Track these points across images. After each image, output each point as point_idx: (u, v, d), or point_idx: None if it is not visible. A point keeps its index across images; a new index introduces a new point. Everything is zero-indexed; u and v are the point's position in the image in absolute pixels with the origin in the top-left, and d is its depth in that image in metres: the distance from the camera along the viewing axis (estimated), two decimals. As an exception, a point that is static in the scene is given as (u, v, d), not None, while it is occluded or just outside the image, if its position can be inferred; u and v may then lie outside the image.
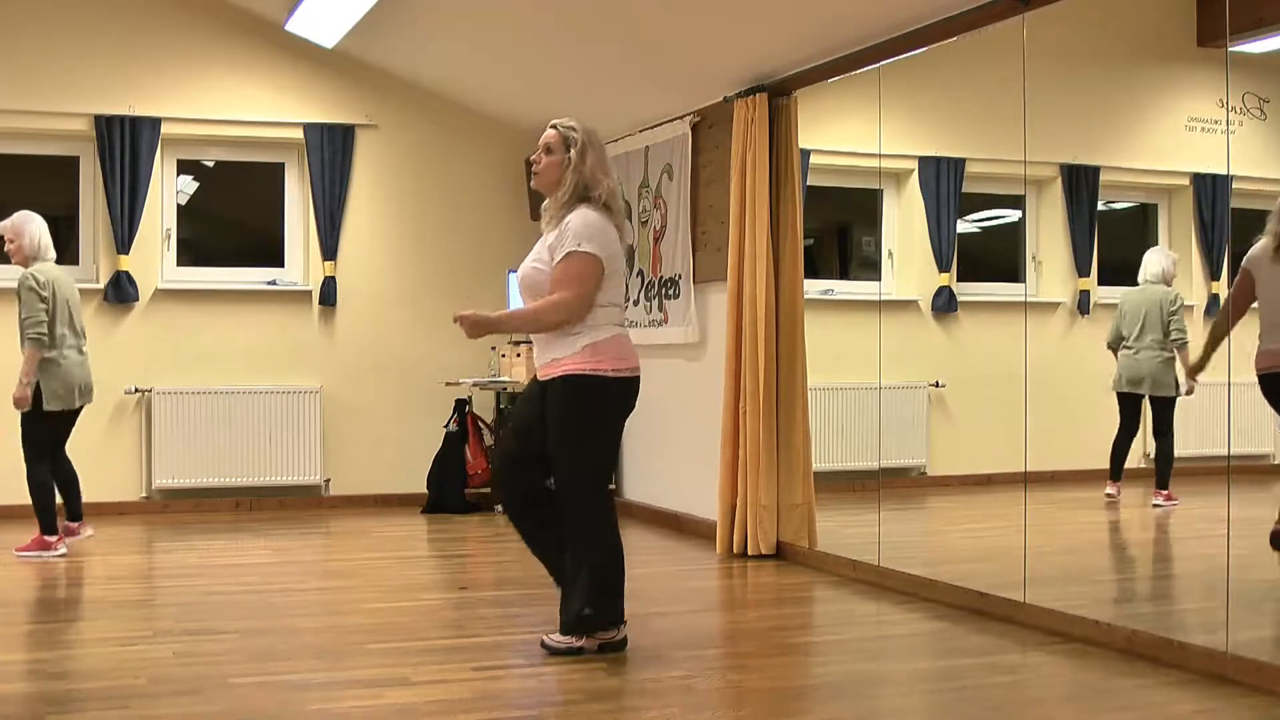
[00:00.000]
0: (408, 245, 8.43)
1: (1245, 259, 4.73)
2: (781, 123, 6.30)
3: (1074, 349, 5.88)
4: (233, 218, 8.78)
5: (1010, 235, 6.43)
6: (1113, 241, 6.04)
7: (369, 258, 8.34)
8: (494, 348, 8.19)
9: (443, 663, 4.24)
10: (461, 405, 8.21)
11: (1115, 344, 5.54)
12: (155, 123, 7.80)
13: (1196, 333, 5.28)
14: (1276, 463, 5.05)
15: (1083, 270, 5.87)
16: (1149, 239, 5.74)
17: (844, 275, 7.30)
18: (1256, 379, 4.61)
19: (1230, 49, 4.19)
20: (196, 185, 8.37)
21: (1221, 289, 5.31)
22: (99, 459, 7.34)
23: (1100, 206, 5.97)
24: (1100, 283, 5.85)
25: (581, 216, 4.26)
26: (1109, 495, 5.57)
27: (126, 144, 7.70)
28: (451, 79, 8.13)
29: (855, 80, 5.87)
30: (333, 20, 7.47)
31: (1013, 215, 6.41)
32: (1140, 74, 5.65)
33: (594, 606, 4.27)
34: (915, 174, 6.60)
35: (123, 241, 7.72)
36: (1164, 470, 5.41)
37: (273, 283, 8.22)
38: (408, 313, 8.39)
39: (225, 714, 3.65)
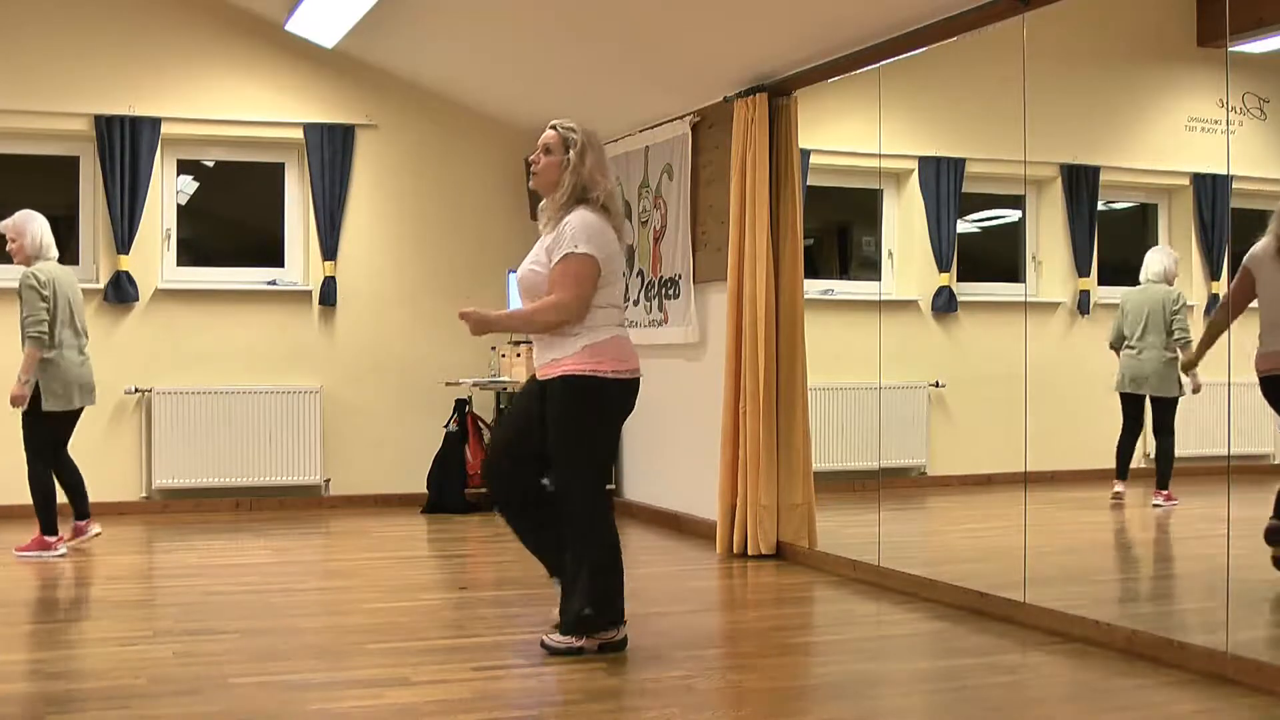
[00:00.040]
0: (408, 245, 8.43)
1: (1246, 257, 4.72)
2: (781, 123, 6.30)
3: (1074, 349, 5.88)
4: (233, 218, 8.78)
5: (1010, 235, 6.43)
6: (1113, 241, 6.04)
7: (369, 258, 8.34)
8: (494, 348, 8.19)
9: (443, 663, 4.24)
10: (461, 405, 8.21)
11: (1117, 344, 5.54)
12: (155, 123, 7.80)
13: (1198, 332, 5.28)
14: (1276, 463, 5.05)
15: (1083, 270, 5.87)
16: (1149, 239, 5.74)
17: (844, 275, 7.31)
18: (1257, 380, 4.61)
19: (1230, 49, 4.19)
20: (196, 185, 8.37)
21: (1221, 289, 5.31)
22: (99, 459, 7.34)
23: (1100, 206, 5.98)
24: (1100, 283, 5.85)
25: (580, 218, 4.26)
26: (1116, 493, 5.56)
27: (126, 144, 7.71)
28: (451, 79, 8.13)
29: (855, 80, 5.87)
30: (333, 20, 7.47)
31: (1013, 215, 6.42)
32: (1140, 74, 5.65)
33: (594, 607, 4.27)
34: (915, 174, 6.60)
35: (123, 241, 7.72)
36: (1164, 470, 5.41)
37: (273, 283, 8.22)
38: (408, 313, 8.39)
39: (225, 714, 3.65)
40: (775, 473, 6.27)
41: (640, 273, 7.62)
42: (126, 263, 7.76)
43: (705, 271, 6.98)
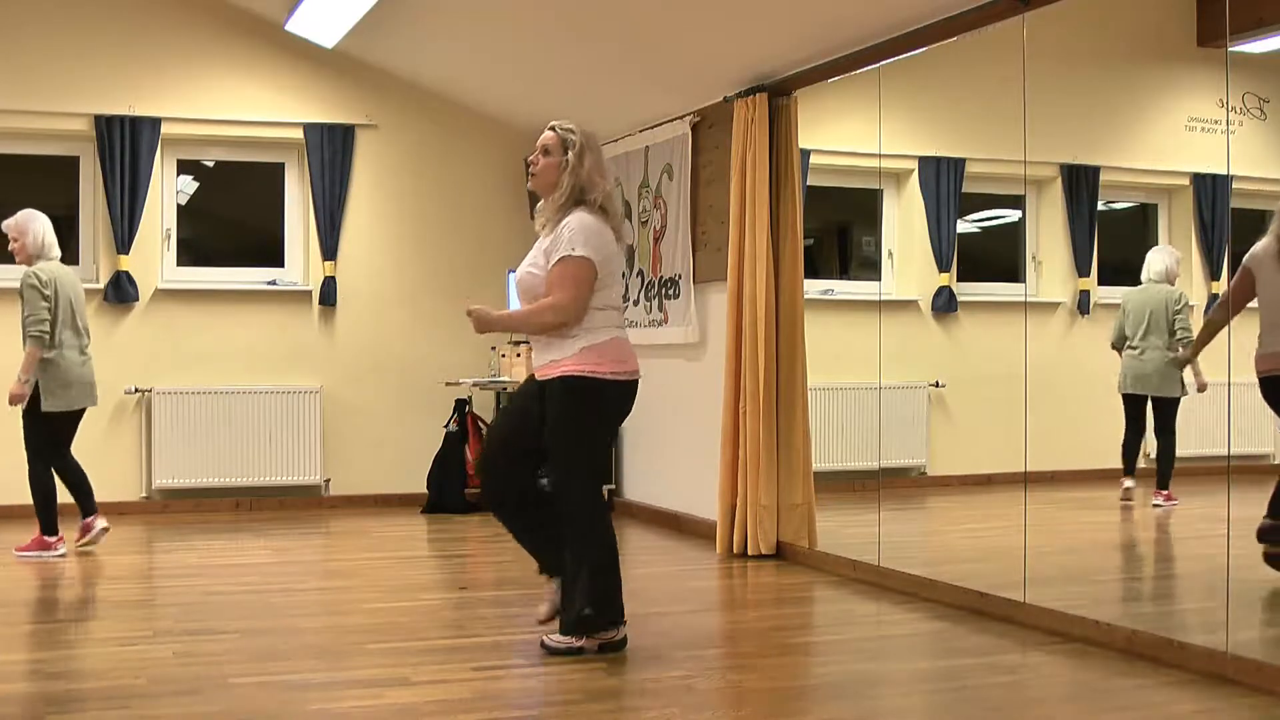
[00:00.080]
0: (408, 245, 8.43)
1: (1246, 257, 4.72)
2: (781, 123, 6.30)
3: (1074, 349, 5.88)
4: (233, 218, 8.78)
5: (1010, 235, 6.43)
6: (1113, 241, 6.04)
7: (369, 258, 8.34)
8: (494, 348, 8.19)
9: (443, 663, 4.24)
10: (461, 405, 8.21)
11: (1119, 344, 5.53)
12: (155, 123, 7.80)
13: (1200, 333, 5.28)
14: (1276, 463, 5.05)
15: (1083, 270, 5.87)
16: (1149, 239, 5.74)
17: (844, 275, 7.31)
18: (1257, 381, 4.61)
19: (1230, 49, 4.19)
20: (196, 185, 8.37)
21: (1221, 289, 5.31)
22: (99, 459, 7.33)
23: (1100, 206, 5.98)
24: (1100, 283, 5.85)
25: (578, 220, 4.26)
26: (1126, 489, 5.54)
27: (126, 144, 7.71)
28: (451, 79, 8.13)
29: (855, 80, 5.87)
30: (333, 20, 7.47)
31: (1013, 215, 6.42)
32: (1140, 74, 5.65)
33: (594, 607, 4.27)
34: (915, 174, 6.60)
35: (123, 241, 7.72)
36: (1165, 470, 5.41)
37: (273, 283, 8.22)
38: (408, 313, 8.39)
39: (225, 714, 3.65)
40: (775, 473, 6.27)
41: (640, 273, 7.63)
42: (126, 263, 7.76)
43: (705, 271, 6.98)
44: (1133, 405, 5.47)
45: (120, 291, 7.76)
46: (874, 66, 5.69)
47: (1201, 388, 5.10)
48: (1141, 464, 5.53)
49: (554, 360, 4.28)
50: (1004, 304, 6.06)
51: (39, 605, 5.38)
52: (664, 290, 7.37)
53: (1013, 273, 6.39)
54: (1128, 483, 5.54)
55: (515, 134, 8.32)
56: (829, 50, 5.86)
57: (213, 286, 8.10)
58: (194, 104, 7.92)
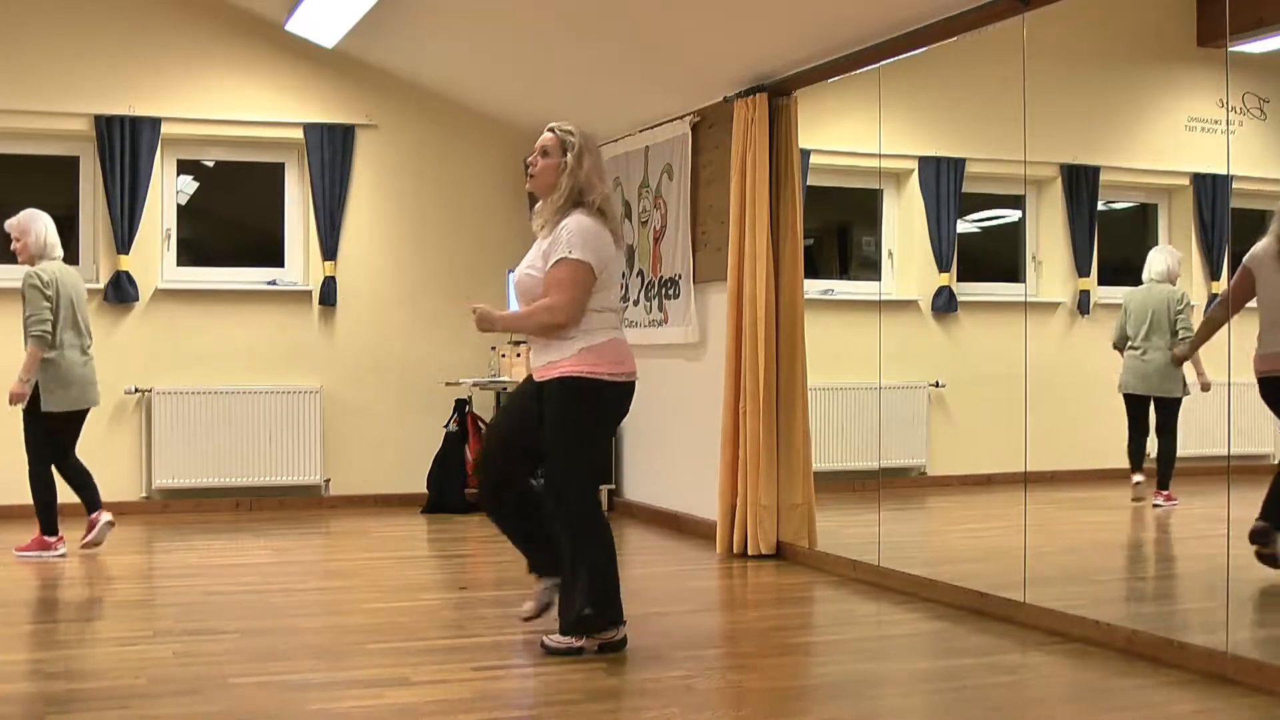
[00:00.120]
0: (408, 245, 8.43)
1: (1246, 257, 4.72)
2: (781, 123, 6.30)
3: (1074, 349, 5.87)
4: (233, 218, 8.78)
5: (1010, 235, 6.43)
6: (1113, 241, 6.04)
7: (369, 258, 8.34)
8: (494, 348, 8.19)
9: (443, 663, 4.24)
10: (461, 405, 8.21)
11: (1121, 344, 5.52)
12: (155, 123, 7.80)
13: (1201, 333, 5.28)
14: (1277, 462, 5.05)
15: (1083, 270, 5.87)
16: (1149, 239, 5.74)
17: (844, 275, 7.30)
18: (1256, 382, 4.61)
19: (1230, 49, 4.19)
20: (196, 185, 8.37)
21: (1222, 289, 5.30)
22: (99, 459, 7.31)
23: (1100, 206, 5.97)
24: (1100, 283, 5.85)
25: (576, 222, 4.26)
26: (1136, 484, 5.52)
27: (126, 144, 7.71)
28: (451, 79, 8.13)
29: (855, 80, 5.87)
30: (333, 20, 7.47)
31: (1013, 215, 6.41)
32: (1140, 74, 5.64)
33: (594, 607, 4.28)
34: (915, 174, 6.60)
35: (123, 241, 7.72)
36: (1165, 470, 5.41)
37: (273, 283, 8.22)
38: (408, 313, 8.39)
39: (225, 714, 3.65)
40: (775, 473, 6.27)
41: (640, 273, 7.63)
42: (126, 263, 7.76)
43: (705, 271, 6.98)
44: (1134, 406, 5.46)
45: (120, 291, 7.76)
46: (874, 66, 5.69)
47: (1205, 387, 5.09)
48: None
49: (552, 361, 4.29)
50: (1004, 304, 6.05)
51: (39, 605, 5.38)
52: (664, 290, 7.37)
53: (1013, 273, 6.38)
54: (1137, 478, 5.51)
55: (515, 134, 8.32)
56: (829, 50, 5.86)
57: (213, 286, 8.10)
58: (194, 104, 7.92)
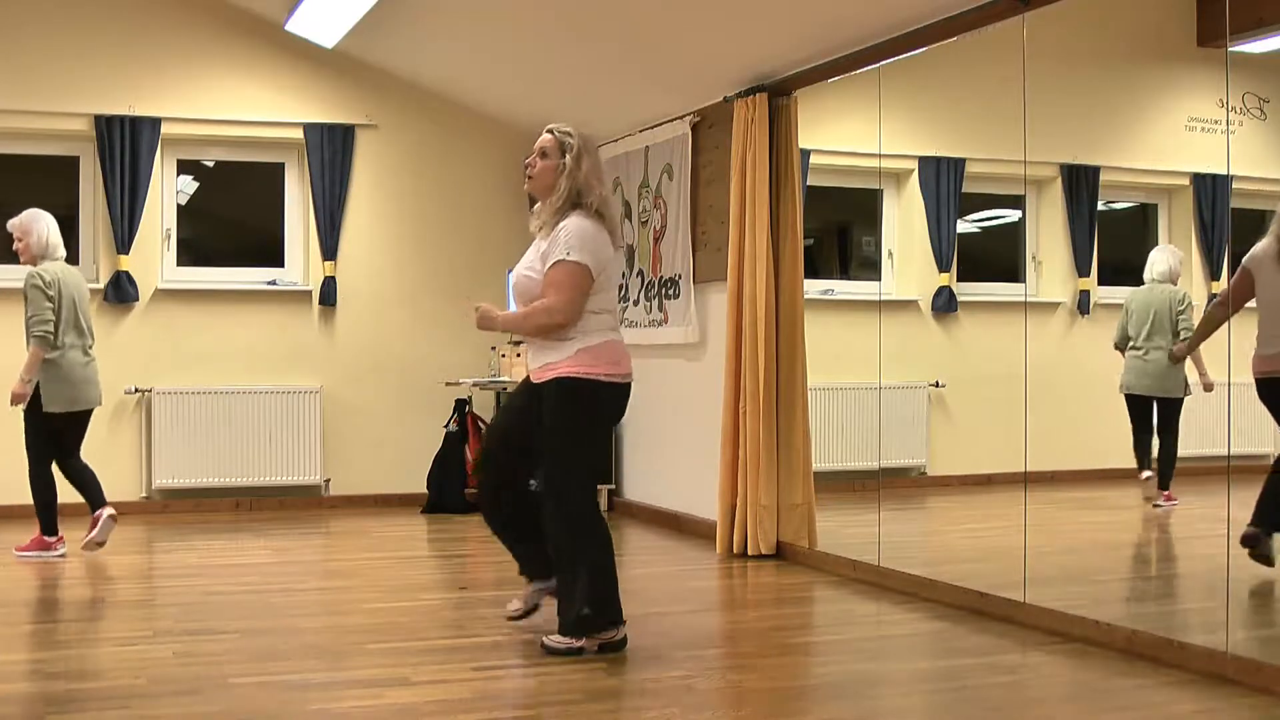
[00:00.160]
0: (408, 245, 8.43)
1: (1246, 258, 4.72)
2: (781, 123, 6.30)
3: (1074, 349, 5.87)
4: (233, 218, 8.78)
5: (1010, 235, 6.43)
6: (1113, 241, 6.03)
7: (369, 258, 8.34)
8: (494, 348, 8.19)
9: (443, 663, 4.24)
10: (461, 405, 8.21)
11: (1122, 345, 5.51)
12: (155, 123, 7.80)
13: (1203, 333, 5.27)
14: (1270, 466, 5.04)
15: (1083, 270, 5.86)
16: (1149, 239, 5.74)
17: (844, 275, 7.30)
18: (1254, 383, 4.61)
19: (1230, 49, 4.19)
20: (196, 185, 8.37)
21: (1222, 289, 5.30)
22: (99, 459, 7.30)
23: (1100, 206, 5.97)
24: (1100, 283, 5.85)
25: (575, 224, 4.27)
26: (1146, 479, 5.51)
27: (126, 144, 7.71)
28: (451, 79, 8.13)
29: (855, 80, 5.87)
30: (333, 20, 7.47)
31: (1013, 215, 6.41)
32: (1140, 74, 5.64)
33: (593, 607, 4.28)
34: (915, 174, 6.59)
35: (123, 241, 7.72)
36: (1166, 471, 5.40)
37: (273, 283, 8.22)
38: (408, 313, 8.40)
39: (225, 714, 3.65)
40: (775, 473, 6.27)
41: (640, 273, 7.63)
42: (126, 263, 7.76)
43: (705, 271, 6.98)
44: (1136, 406, 5.45)
45: (120, 291, 7.76)
46: (874, 66, 5.69)
47: (1207, 387, 5.09)
48: (1140, 465, 5.53)
49: (549, 363, 4.30)
50: (1004, 304, 6.05)
51: (39, 605, 5.38)
52: (664, 290, 7.37)
53: (1013, 273, 6.38)
54: (1146, 474, 5.50)
55: (515, 134, 8.32)
56: (829, 50, 5.86)
57: (213, 286, 8.10)
58: (194, 104, 7.92)
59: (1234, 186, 5.08)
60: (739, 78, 6.40)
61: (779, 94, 6.31)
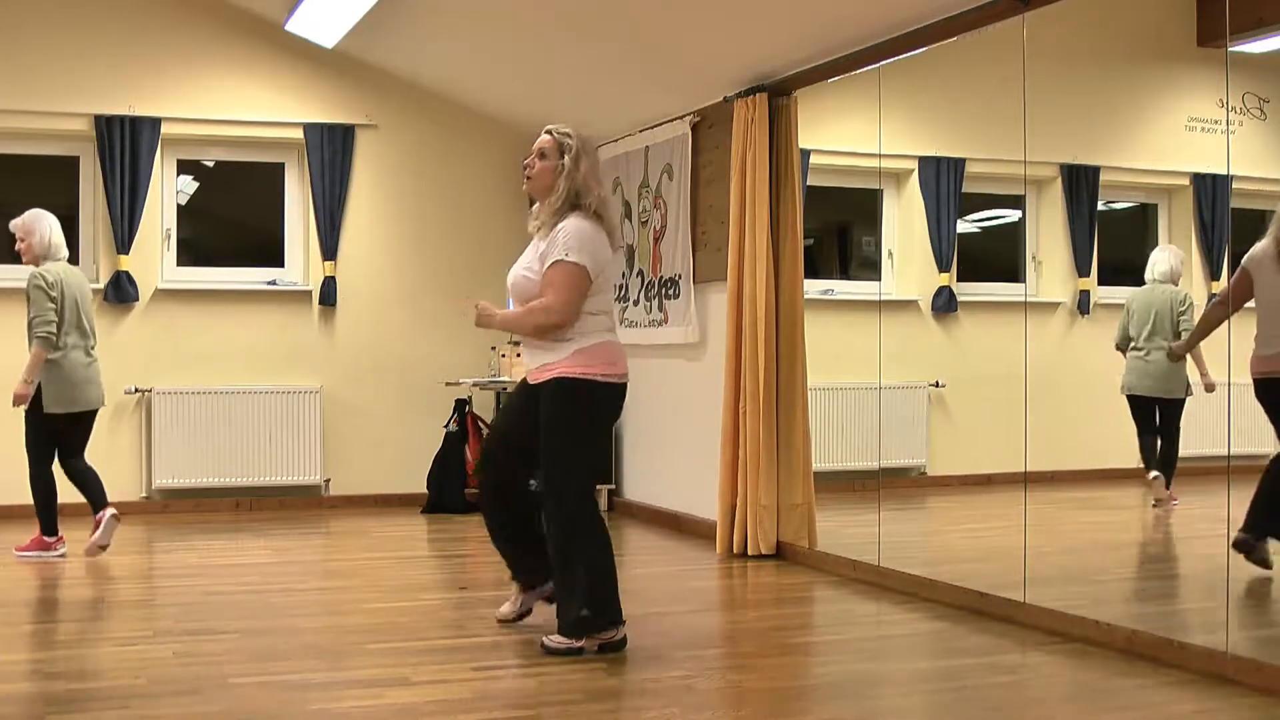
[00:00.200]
0: (408, 245, 8.43)
1: (1245, 258, 4.72)
2: (781, 123, 6.30)
3: (1074, 349, 5.87)
4: (233, 218, 8.78)
5: (1010, 235, 6.43)
6: (1113, 241, 6.03)
7: (369, 258, 8.34)
8: (494, 348, 8.19)
9: (443, 663, 4.24)
10: (461, 405, 8.21)
11: (1123, 345, 5.50)
12: (155, 123, 7.80)
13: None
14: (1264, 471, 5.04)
15: (1083, 270, 5.86)
16: (1149, 239, 5.74)
17: (844, 275, 7.30)
18: (1252, 383, 4.61)
19: (1230, 49, 4.19)
20: (196, 185, 8.37)
21: (1222, 289, 5.30)
22: (99, 459, 7.30)
23: (1100, 206, 5.97)
24: (1100, 283, 5.85)
25: (574, 225, 4.28)
26: (1153, 480, 5.50)
27: (126, 144, 7.71)
28: (451, 79, 8.13)
29: (855, 80, 5.87)
30: (333, 20, 7.47)
31: (1013, 215, 6.41)
32: (1140, 74, 5.64)
33: (593, 607, 4.28)
34: (915, 174, 6.59)
35: (123, 241, 7.72)
36: (1167, 471, 5.40)
37: (273, 283, 8.22)
38: (408, 313, 8.40)
39: (225, 714, 3.65)
40: (775, 473, 6.27)
41: (640, 273, 7.63)
42: (126, 263, 7.76)
43: (705, 271, 6.98)
44: (1139, 407, 5.44)
45: (120, 291, 7.76)
46: (874, 66, 5.69)
47: (1209, 387, 5.09)
48: (1139, 465, 5.51)
49: (546, 364, 4.31)
50: (1004, 304, 6.05)
51: (39, 605, 5.38)
52: (664, 290, 7.37)
53: (1013, 273, 6.38)
54: (1153, 474, 5.49)
55: (515, 134, 8.32)
56: (829, 50, 5.86)
57: (213, 286, 8.10)
58: (194, 104, 7.92)
59: (1234, 186, 5.08)
60: (739, 78, 6.40)
61: (779, 94, 6.31)
